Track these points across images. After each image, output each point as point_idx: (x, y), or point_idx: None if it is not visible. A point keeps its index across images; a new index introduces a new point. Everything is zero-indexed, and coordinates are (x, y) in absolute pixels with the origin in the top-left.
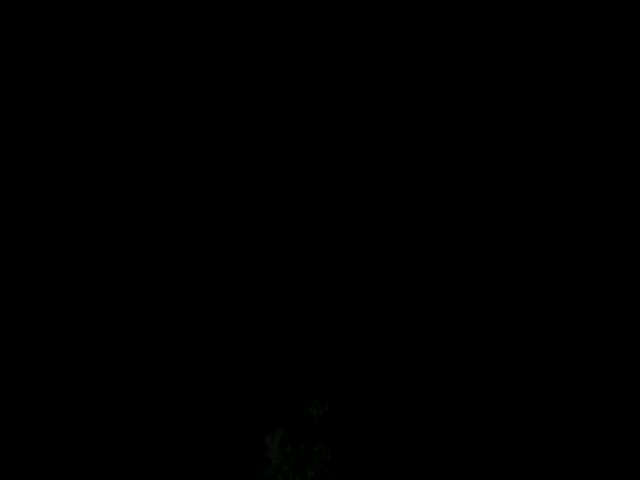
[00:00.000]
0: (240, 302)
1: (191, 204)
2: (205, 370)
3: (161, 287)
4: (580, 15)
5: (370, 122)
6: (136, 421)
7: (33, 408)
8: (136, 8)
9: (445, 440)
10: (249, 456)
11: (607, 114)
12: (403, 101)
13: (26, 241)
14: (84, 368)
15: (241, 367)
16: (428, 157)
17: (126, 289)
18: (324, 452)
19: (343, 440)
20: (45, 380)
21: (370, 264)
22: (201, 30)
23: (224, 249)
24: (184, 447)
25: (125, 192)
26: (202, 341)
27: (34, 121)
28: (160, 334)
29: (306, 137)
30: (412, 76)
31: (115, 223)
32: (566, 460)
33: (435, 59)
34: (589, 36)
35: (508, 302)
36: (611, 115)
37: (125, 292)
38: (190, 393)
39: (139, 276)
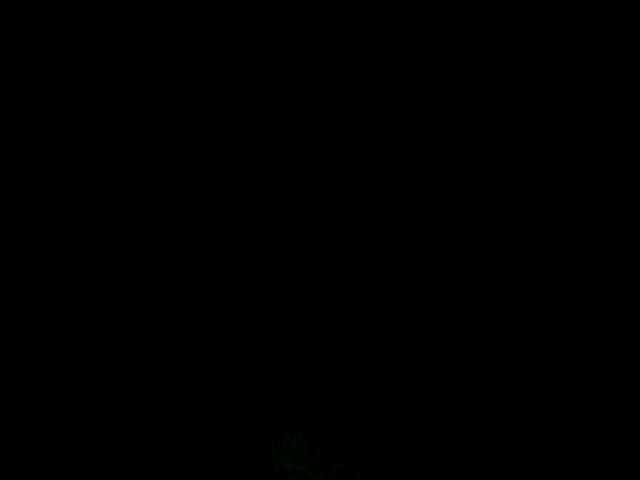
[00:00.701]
0: (247, 297)
1: (191, 204)
2: (211, 365)
3: (166, 280)
4: (580, 15)
5: (370, 122)
6: (139, 414)
7: (33, 408)
8: (136, 8)
9: (451, 440)
10: (256, 452)
11: (607, 114)
12: (403, 101)
13: (26, 241)
14: (95, 360)
15: (247, 362)
16: (428, 157)
17: (130, 284)
18: (333, 447)
19: (352, 435)
20: (45, 380)
21: (372, 261)
22: (201, 30)
23: (230, 243)
24: (190, 443)
25: (125, 192)
26: (208, 337)
27: (34, 121)
28: (166, 330)
29: (306, 137)
30: (412, 76)
31: (114, 223)
32: (566, 460)
33: (435, 59)
34: (589, 36)
35: (508, 302)
36: (611, 115)
37: (129, 286)
38: (196, 389)
39: (142, 271)
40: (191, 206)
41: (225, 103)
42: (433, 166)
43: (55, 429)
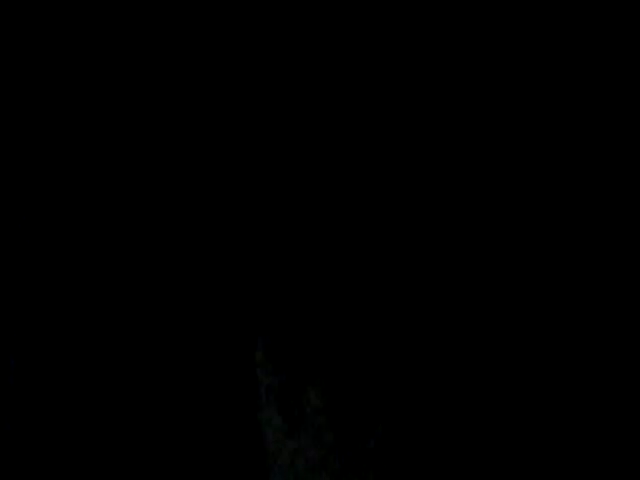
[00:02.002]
0: (244, 289)
1: (191, 203)
2: (206, 355)
3: (168, 272)
4: (580, 15)
5: (370, 123)
6: (135, 407)
7: (32, 408)
8: (136, 8)
9: (448, 431)
10: (247, 444)
11: (607, 114)
12: (403, 101)
13: (26, 241)
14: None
15: (243, 353)
16: (428, 157)
17: (130, 277)
18: (324, 440)
19: (344, 428)
20: (45, 380)
21: (372, 256)
22: (201, 30)
23: (231, 237)
24: (182, 432)
25: (125, 192)
26: (205, 327)
27: (34, 121)
28: (165, 324)
29: (306, 137)
30: (412, 76)
31: (114, 222)
32: (566, 460)
33: (435, 59)
34: (589, 36)
35: (508, 296)
36: (611, 115)
37: (129, 278)
38: (190, 378)
39: (143, 266)
40: (191, 205)
41: (225, 104)
42: (433, 167)
43: (49, 425)
